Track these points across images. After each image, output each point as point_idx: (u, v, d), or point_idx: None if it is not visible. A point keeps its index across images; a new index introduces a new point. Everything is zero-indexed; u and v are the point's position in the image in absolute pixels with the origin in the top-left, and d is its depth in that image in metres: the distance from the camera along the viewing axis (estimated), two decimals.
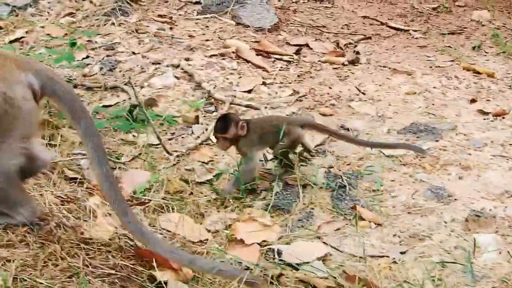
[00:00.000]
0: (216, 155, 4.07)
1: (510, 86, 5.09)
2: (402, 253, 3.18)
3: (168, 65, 5.05)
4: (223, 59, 5.21)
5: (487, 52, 5.80)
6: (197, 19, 6.04)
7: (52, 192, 3.13)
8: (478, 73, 5.28)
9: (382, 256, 3.17)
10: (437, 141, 4.13)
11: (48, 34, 5.55)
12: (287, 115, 4.41)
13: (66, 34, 5.59)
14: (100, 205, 3.10)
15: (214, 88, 4.71)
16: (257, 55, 5.35)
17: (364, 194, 3.62)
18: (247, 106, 4.48)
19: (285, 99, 4.65)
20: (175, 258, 2.71)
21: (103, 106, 4.58)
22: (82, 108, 2.75)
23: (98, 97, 4.72)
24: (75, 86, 4.80)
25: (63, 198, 3.15)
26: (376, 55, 5.62)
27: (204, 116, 4.44)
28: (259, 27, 5.94)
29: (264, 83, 4.82)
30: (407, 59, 5.56)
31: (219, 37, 5.64)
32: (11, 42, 5.35)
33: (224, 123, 3.71)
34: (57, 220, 2.80)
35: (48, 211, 2.89)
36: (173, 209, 3.51)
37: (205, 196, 3.72)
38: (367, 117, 4.48)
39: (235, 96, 4.64)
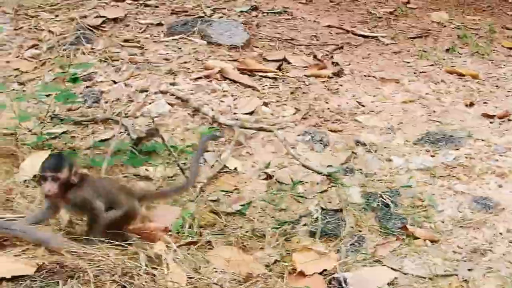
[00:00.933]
0: (239, 182, 3.94)
1: (497, 86, 5.16)
2: (469, 270, 3.14)
3: (157, 91, 4.86)
4: (210, 81, 5.05)
5: (461, 54, 5.86)
6: (166, 41, 5.84)
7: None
8: (462, 75, 5.32)
9: (451, 275, 3.13)
10: (457, 149, 4.12)
11: (16, 69, 5.27)
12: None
13: (36, 67, 5.34)
14: (166, 250, 2.92)
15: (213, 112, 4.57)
16: (241, 74, 5.22)
17: (409, 211, 3.57)
18: (259, 129, 4.34)
19: (290, 118, 4.54)
20: None
21: (100, 140, 4.37)
22: None
23: (90, 131, 4.52)
24: (62, 121, 4.57)
25: (117, 248, 2.96)
26: (355, 64, 5.58)
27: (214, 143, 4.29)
28: (232, 45, 5.79)
29: (265, 104, 4.69)
30: (387, 66, 5.55)
31: (196, 59, 5.47)
32: None
33: (58, 160, 2.97)
34: (137, 273, 2.61)
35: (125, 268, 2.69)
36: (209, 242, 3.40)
37: (241, 227, 3.60)
38: (376, 129, 4.43)
39: (237, 119, 4.50)
